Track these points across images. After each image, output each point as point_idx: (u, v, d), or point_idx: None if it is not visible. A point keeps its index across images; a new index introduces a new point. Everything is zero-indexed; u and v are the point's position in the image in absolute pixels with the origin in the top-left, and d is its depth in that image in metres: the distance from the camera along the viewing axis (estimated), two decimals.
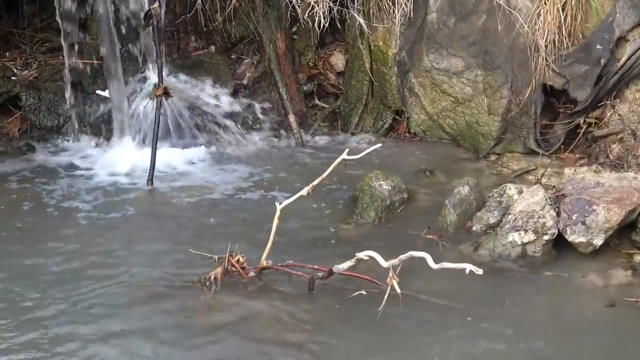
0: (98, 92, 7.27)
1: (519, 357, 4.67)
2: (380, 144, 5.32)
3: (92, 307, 4.97)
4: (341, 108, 7.70)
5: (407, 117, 7.48)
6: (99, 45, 7.17)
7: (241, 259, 5.21)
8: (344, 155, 5.20)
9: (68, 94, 7.24)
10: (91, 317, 4.87)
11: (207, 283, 5.12)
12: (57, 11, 7.08)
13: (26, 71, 7.50)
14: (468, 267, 4.46)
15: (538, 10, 6.65)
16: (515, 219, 5.59)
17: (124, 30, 7.22)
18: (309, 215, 6.09)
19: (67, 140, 7.25)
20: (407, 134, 7.51)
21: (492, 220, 5.83)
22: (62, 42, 7.20)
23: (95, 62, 7.35)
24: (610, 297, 5.16)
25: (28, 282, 5.21)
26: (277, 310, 5.03)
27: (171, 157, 6.95)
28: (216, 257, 5.27)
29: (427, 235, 5.79)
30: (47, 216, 6.08)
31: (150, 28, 7.00)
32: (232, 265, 5.20)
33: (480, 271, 4.44)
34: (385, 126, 7.53)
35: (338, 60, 7.90)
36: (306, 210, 6.11)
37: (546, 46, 6.67)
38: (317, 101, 7.83)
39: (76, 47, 7.28)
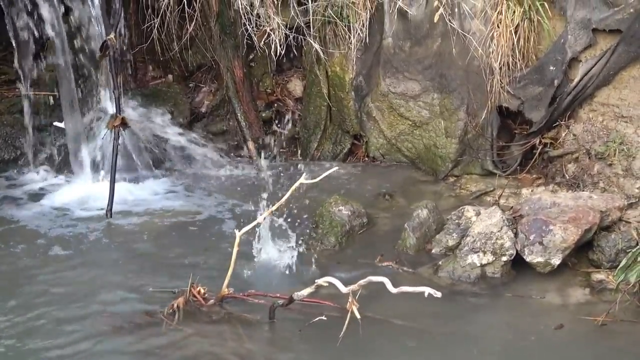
0: (55, 123, 7.23)
1: None
2: (336, 167, 5.33)
3: (55, 342, 4.91)
4: (300, 134, 7.72)
5: (366, 142, 7.52)
6: (56, 77, 7.14)
7: (202, 290, 5.20)
8: (302, 180, 5.20)
9: (28, 126, 7.20)
10: (54, 352, 4.82)
11: (170, 311, 5.11)
12: (13, 43, 7.05)
13: None
14: (427, 290, 4.48)
15: (491, 34, 6.72)
16: (474, 240, 5.64)
17: (80, 62, 7.20)
18: (269, 242, 6.07)
19: (25, 173, 7.19)
20: (366, 158, 7.55)
21: (451, 243, 5.87)
22: (19, 74, 7.18)
23: (52, 94, 7.31)
24: (567, 317, 5.21)
25: None
26: (240, 338, 5.03)
27: (130, 187, 6.93)
28: (177, 290, 5.28)
29: (381, 262, 5.80)
30: (4, 250, 6.02)
31: (107, 59, 6.98)
32: (194, 295, 5.19)
33: (438, 294, 4.46)
34: (344, 151, 7.57)
35: (296, 86, 7.94)
36: (266, 236, 6.10)
37: (500, 68, 6.74)
38: (275, 127, 7.84)
39: (33, 79, 7.25)
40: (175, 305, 5.10)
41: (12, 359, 4.75)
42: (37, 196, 6.87)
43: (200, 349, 4.88)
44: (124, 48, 7.45)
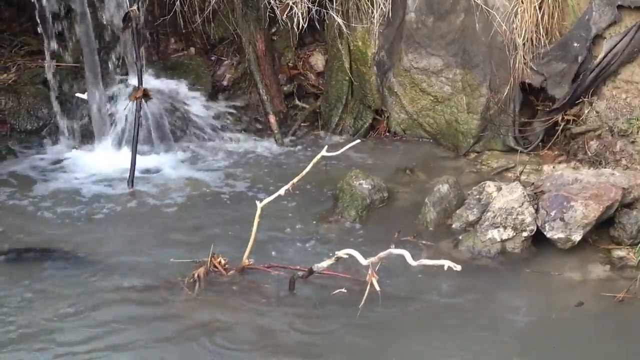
0: (77, 94, 7.26)
1: (497, 351, 4.70)
2: (358, 140, 5.35)
3: (74, 309, 4.96)
4: (321, 108, 7.71)
5: (387, 117, 7.51)
6: (78, 48, 7.17)
7: (223, 261, 5.24)
8: (324, 152, 5.21)
9: (51, 97, 7.24)
10: (72, 319, 4.87)
11: (191, 281, 5.14)
12: (36, 14, 7.07)
13: (5, 74, 7.47)
14: (446, 263, 4.49)
15: (515, 9, 6.67)
16: (495, 216, 5.63)
17: (103, 33, 7.22)
18: (290, 215, 6.11)
19: (48, 144, 7.22)
20: (387, 133, 7.54)
21: (471, 218, 5.85)
22: (43, 45, 7.21)
23: (75, 64, 7.34)
24: (588, 293, 5.20)
25: (11, 286, 5.21)
26: (260, 308, 5.05)
27: (151, 159, 6.96)
28: (197, 260, 5.30)
29: (399, 238, 5.78)
30: (29, 220, 6.06)
31: (129, 30, 6.99)
32: (215, 266, 5.22)
33: (458, 267, 4.47)
34: (366, 126, 7.56)
35: (318, 60, 7.92)
36: (287, 209, 6.14)
37: (524, 44, 6.71)
38: (297, 101, 7.84)
39: (56, 50, 7.28)
40: (196, 275, 5.13)
41: (33, 327, 4.79)
42: (59, 167, 6.90)
43: (220, 318, 4.91)
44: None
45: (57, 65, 7.30)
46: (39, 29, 7.17)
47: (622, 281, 5.29)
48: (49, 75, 7.23)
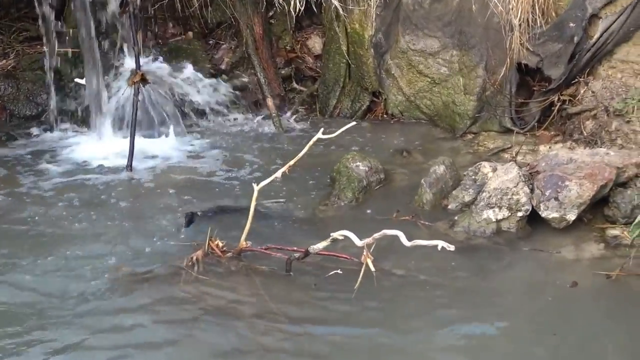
0: (76, 80, 7.30)
1: (492, 329, 4.72)
2: (354, 122, 5.38)
3: (72, 292, 4.99)
4: (319, 91, 7.74)
5: (385, 99, 7.54)
6: (77, 34, 7.20)
7: (220, 243, 5.27)
8: (319, 135, 5.23)
9: (50, 82, 7.27)
10: (71, 301, 4.91)
11: (189, 264, 5.17)
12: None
13: (4, 61, 7.53)
14: (440, 243, 4.51)
15: None
16: (490, 196, 5.66)
17: (101, 18, 7.24)
18: (287, 197, 6.14)
19: (47, 129, 7.27)
20: (384, 115, 7.57)
21: (467, 198, 5.89)
22: (41, 31, 7.23)
23: (73, 50, 7.37)
24: (582, 272, 5.23)
25: (14, 273, 5.26)
26: (257, 290, 5.08)
27: (149, 143, 7.00)
28: (195, 243, 5.36)
29: (397, 218, 5.83)
30: (28, 204, 6.10)
31: (127, 15, 7.02)
32: (212, 248, 5.26)
33: (451, 247, 4.49)
34: (363, 108, 7.59)
35: (315, 43, 7.95)
36: (284, 191, 6.17)
37: (520, 25, 6.72)
38: (295, 84, 7.87)
39: (54, 35, 7.31)
40: (195, 258, 5.17)
41: (29, 308, 4.84)
42: (58, 152, 6.97)
43: (218, 300, 4.94)
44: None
45: (55, 51, 7.33)
46: (38, 15, 7.21)
47: (616, 259, 5.30)
48: (47, 62, 7.26)
